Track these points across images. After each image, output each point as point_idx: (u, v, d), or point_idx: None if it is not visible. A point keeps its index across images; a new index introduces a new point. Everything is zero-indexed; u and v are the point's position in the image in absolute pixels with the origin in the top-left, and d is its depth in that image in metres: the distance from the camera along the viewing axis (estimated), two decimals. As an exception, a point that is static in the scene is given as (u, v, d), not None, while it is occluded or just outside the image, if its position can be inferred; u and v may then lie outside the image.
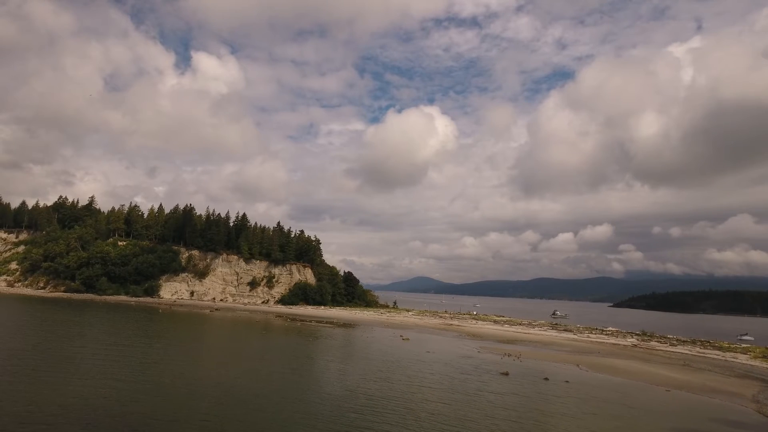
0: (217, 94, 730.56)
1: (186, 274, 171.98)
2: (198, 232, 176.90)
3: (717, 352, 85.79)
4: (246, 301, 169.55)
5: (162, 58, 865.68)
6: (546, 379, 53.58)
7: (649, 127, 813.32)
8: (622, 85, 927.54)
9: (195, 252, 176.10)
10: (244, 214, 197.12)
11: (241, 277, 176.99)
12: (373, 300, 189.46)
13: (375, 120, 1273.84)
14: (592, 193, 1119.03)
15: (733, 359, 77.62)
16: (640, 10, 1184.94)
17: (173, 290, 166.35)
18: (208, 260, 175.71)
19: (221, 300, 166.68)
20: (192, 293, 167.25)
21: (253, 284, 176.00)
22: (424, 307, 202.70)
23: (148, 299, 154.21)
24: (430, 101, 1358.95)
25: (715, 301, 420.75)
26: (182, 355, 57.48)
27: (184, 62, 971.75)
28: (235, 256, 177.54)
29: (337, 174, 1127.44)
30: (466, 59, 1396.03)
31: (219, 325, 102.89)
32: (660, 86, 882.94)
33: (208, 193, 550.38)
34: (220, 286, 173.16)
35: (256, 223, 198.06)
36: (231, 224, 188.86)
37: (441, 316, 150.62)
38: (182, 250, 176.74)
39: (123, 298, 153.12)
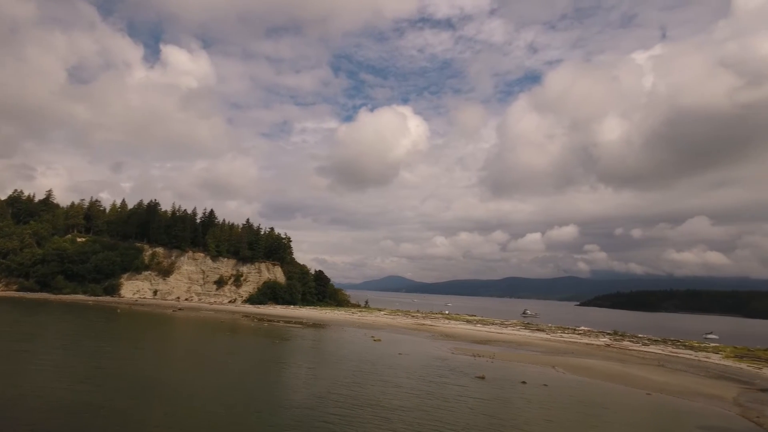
0: (187, 89, 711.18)
1: (149, 272, 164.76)
2: (163, 228, 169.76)
3: (689, 351, 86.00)
4: (212, 300, 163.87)
5: (130, 50, 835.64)
6: (523, 382, 51.54)
7: (613, 132, 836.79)
8: (586, 89, 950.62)
9: (159, 249, 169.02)
10: (212, 211, 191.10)
11: (207, 276, 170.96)
12: (345, 299, 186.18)
13: (349, 119, 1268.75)
14: (558, 194, 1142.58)
15: (706, 359, 77.67)
16: (610, 16, 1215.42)
17: (135, 289, 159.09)
18: (172, 258, 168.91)
19: (186, 299, 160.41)
20: (155, 292, 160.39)
21: (220, 283, 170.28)
22: (396, 307, 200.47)
23: (108, 298, 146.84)
24: (405, 101, 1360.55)
25: (676, 300, 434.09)
26: (136, 360, 53.10)
27: (153, 56, 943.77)
28: (202, 254, 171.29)
29: (309, 172, 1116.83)
30: (441, 60, 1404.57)
31: (181, 325, 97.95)
32: (623, 92, 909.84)
33: (177, 189, 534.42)
34: (185, 284, 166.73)
35: (224, 219, 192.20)
36: (198, 221, 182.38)
37: (413, 316, 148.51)
38: (146, 247, 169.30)
39: (80, 297, 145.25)
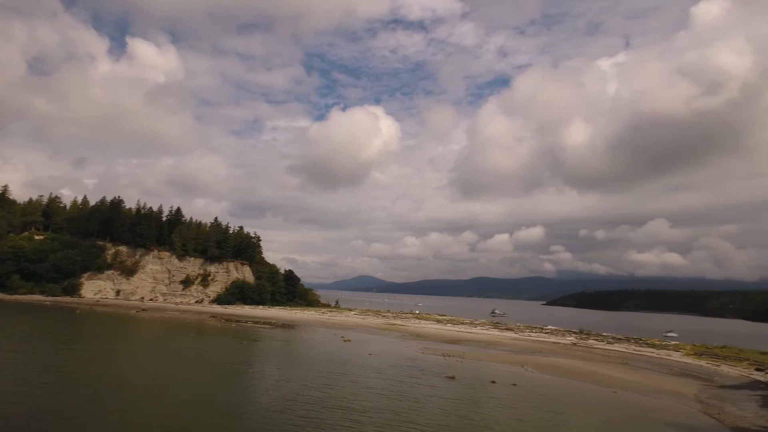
0: (155, 84, 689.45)
1: (112, 271, 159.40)
2: (127, 226, 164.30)
3: (651, 349, 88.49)
4: (178, 300, 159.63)
5: (94, 42, 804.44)
6: (493, 382, 51.81)
7: (578, 136, 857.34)
8: (554, 94, 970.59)
9: (123, 248, 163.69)
10: (179, 209, 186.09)
11: (173, 275, 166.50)
12: (315, 299, 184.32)
13: (321, 118, 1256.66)
14: (526, 196, 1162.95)
15: (667, 357, 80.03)
16: (577, 24, 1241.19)
17: (96, 289, 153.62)
18: (137, 257, 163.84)
19: (151, 300, 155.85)
20: (118, 292, 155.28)
21: (187, 283, 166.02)
22: (366, 307, 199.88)
23: (67, 299, 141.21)
24: (377, 101, 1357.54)
25: (637, 299, 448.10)
26: (95, 363, 50.97)
27: (118, 48, 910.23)
28: (168, 253, 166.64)
29: (280, 171, 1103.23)
30: (413, 62, 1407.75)
31: (145, 327, 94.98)
32: (588, 97, 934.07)
33: (143, 187, 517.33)
34: (150, 284, 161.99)
35: (191, 218, 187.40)
36: (164, 219, 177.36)
37: (384, 316, 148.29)
38: (108, 245, 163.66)
39: (38, 297, 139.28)
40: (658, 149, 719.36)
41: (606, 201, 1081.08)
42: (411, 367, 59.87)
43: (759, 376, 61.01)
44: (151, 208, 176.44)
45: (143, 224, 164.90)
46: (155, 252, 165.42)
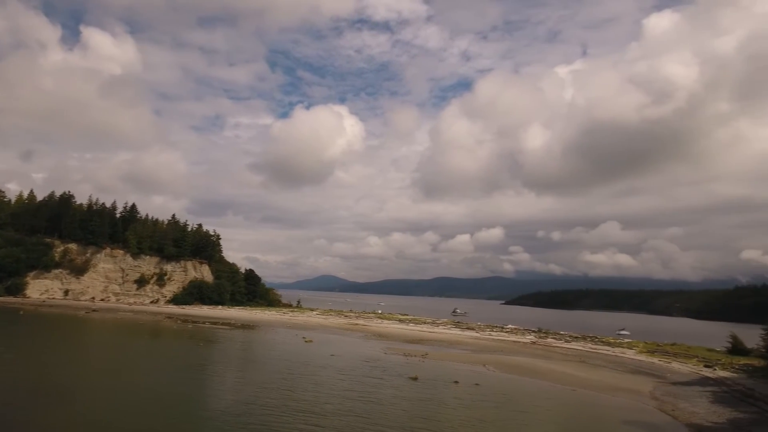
0: (110, 76, 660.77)
1: (60, 270, 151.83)
2: (77, 222, 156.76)
3: (607, 347, 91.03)
4: (132, 300, 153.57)
5: (46, 30, 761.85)
6: (456, 382, 51.75)
7: (536, 140, 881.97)
8: (513, 99, 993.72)
9: (72, 245, 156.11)
10: (134, 205, 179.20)
11: (127, 274, 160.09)
12: (276, 299, 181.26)
13: (285, 115, 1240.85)
14: (486, 198, 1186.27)
15: (622, 354, 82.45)
16: (537, 31, 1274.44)
17: (43, 289, 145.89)
18: (88, 255, 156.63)
19: (102, 300, 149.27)
20: (66, 292, 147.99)
21: (142, 282, 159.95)
22: (328, 306, 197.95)
23: (10, 299, 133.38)
24: (342, 100, 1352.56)
25: (591, 299, 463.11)
26: (39, 367, 47.86)
27: (72, 38, 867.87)
28: (121, 251, 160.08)
29: (242, 168, 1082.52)
30: (378, 62, 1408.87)
31: (95, 328, 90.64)
32: (546, 102, 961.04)
33: (97, 182, 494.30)
34: (102, 284, 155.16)
35: (147, 214, 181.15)
36: (118, 215, 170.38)
37: (346, 316, 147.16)
38: (57, 242, 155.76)
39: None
40: (611, 154, 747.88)
41: (562, 203, 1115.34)
42: (374, 367, 59.19)
43: (707, 372, 63.52)
44: (104, 204, 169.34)
45: (95, 221, 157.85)
46: (108, 250, 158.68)
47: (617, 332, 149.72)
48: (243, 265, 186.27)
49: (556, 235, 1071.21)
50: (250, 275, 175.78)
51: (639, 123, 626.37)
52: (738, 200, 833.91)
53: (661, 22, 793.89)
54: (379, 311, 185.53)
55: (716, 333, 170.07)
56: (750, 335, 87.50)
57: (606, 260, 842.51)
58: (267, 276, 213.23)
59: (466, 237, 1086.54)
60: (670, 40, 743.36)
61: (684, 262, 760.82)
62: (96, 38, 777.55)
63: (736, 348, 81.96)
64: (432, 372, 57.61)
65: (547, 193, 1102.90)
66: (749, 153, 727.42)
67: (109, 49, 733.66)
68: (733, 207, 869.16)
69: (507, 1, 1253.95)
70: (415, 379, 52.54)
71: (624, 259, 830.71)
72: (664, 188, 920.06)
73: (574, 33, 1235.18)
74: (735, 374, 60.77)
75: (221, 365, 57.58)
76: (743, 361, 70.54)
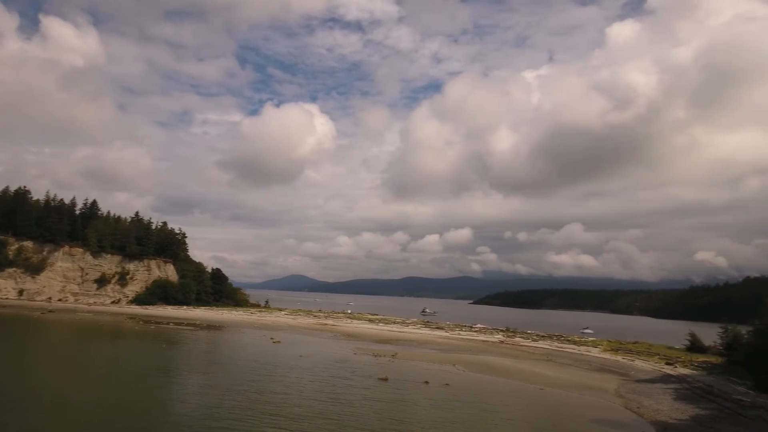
0: (71, 67, 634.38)
1: (14, 269, 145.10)
2: (33, 219, 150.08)
3: (572, 346, 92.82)
4: (92, 301, 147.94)
5: (2, 18, 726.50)
6: (426, 382, 51.53)
7: (504, 142, 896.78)
8: (482, 101, 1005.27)
9: (28, 243, 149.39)
10: (95, 201, 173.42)
11: (87, 273, 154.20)
12: (244, 299, 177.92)
13: (255, 113, 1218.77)
14: (455, 198, 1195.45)
15: (587, 353, 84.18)
16: (506, 36, 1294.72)
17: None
18: (44, 253, 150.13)
19: (60, 300, 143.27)
20: (21, 292, 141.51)
21: (102, 282, 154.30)
22: (298, 306, 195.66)
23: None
24: (313, 99, 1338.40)
25: (556, 298, 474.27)
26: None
27: (30, 27, 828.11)
28: (81, 249, 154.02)
29: (209, 166, 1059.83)
30: (349, 62, 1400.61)
31: (51, 330, 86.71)
32: (514, 106, 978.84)
33: (56, 178, 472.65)
34: (60, 283, 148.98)
35: (109, 211, 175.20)
36: (77, 212, 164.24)
37: (315, 316, 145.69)
38: (11, 240, 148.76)
39: None
40: (575, 158, 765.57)
41: (528, 205, 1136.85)
42: (343, 368, 58.45)
43: (669, 369, 65.39)
44: (62, 200, 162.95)
45: (53, 217, 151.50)
46: (66, 248, 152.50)
47: (581, 331, 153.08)
48: (210, 265, 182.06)
49: (522, 236, 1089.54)
50: (217, 274, 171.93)
51: (601, 128, 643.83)
52: (693, 204, 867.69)
53: (623, 31, 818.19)
54: (349, 311, 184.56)
55: (674, 331, 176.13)
56: (705, 333, 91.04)
57: (570, 261, 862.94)
58: (235, 276, 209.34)
59: (435, 237, 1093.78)
60: (631, 49, 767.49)
61: (643, 263, 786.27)
62: (56, 28, 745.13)
63: (695, 346, 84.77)
64: (402, 372, 57.28)
65: (514, 194, 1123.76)
66: (704, 159, 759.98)
67: (70, 39, 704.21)
68: (688, 210, 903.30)
69: (477, 6, 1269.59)
70: (385, 379, 52.07)
71: (587, 260, 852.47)
72: (625, 191, 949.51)
73: (542, 39, 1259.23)
74: (695, 371, 62.75)
75: (185, 368, 55.71)
76: (701, 358, 73.00)
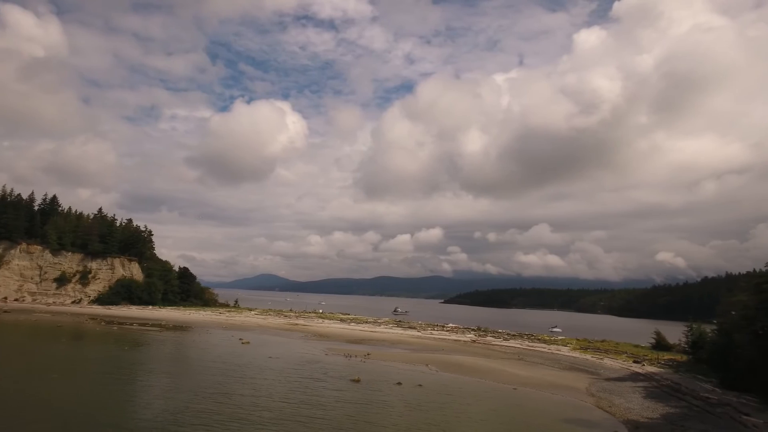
0: (31, 58, 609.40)
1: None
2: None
3: (543, 345, 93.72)
4: (51, 301, 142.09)
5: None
6: (399, 383, 50.73)
7: (474, 144, 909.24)
8: (453, 103, 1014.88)
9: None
10: (54, 197, 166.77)
11: (45, 272, 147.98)
12: (212, 298, 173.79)
13: (225, 109, 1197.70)
14: (426, 199, 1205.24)
15: (557, 351, 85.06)
16: (478, 39, 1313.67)
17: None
18: (0, 251, 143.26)
19: (16, 300, 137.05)
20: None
21: (62, 281, 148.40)
22: (268, 306, 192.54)
23: None
24: (285, 96, 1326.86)
25: (524, 297, 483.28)
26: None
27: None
28: (39, 247, 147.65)
29: (177, 162, 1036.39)
30: (322, 60, 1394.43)
31: (5, 331, 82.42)
32: (484, 108, 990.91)
33: (15, 172, 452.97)
34: (16, 282, 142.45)
35: (70, 207, 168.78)
36: (36, 208, 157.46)
37: (286, 316, 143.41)
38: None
39: None
40: (542, 160, 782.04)
41: (497, 206, 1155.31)
42: (314, 370, 57.21)
43: (637, 368, 66.48)
44: (20, 195, 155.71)
45: (9, 213, 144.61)
46: (23, 245, 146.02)
47: (550, 330, 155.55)
48: (179, 263, 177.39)
49: (491, 236, 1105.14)
50: (184, 273, 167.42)
51: (568, 131, 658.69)
52: (654, 207, 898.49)
53: (589, 38, 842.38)
54: (320, 311, 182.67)
55: (638, 329, 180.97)
56: (668, 331, 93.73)
57: (537, 261, 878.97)
58: (204, 275, 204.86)
59: (406, 237, 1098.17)
60: (597, 55, 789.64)
61: (607, 263, 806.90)
62: (15, 16, 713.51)
63: (660, 344, 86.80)
64: (375, 373, 56.42)
65: (483, 195, 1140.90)
66: (664, 163, 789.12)
67: (30, 29, 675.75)
68: (649, 213, 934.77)
69: (449, 8, 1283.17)
70: (358, 381, 51.08)
71: (553, 260, 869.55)
72: (590, 194, 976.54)
73: (512, 43, 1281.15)
74: (662, 369, 63.97)
75: (149, 370, 53.44)
76: (667, 356, 74.64)
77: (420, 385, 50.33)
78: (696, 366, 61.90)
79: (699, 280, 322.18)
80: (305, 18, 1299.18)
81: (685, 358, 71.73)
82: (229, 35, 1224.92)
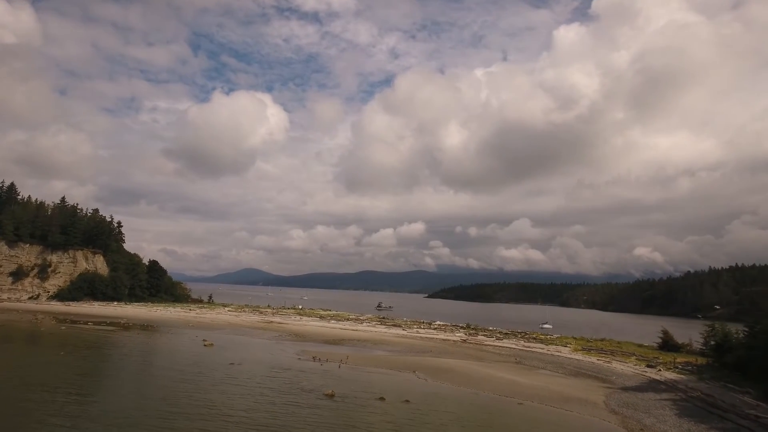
0: (0, 44, 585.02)
1: None
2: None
3: (540, 345, 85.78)
4: (6, 296, 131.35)
5: None
6: (382, 398, 42.07)
7: (454, 138, 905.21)
8: (431, 96, 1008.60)
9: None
10: (12, 185, 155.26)
11: (0, 265, 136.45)
12: (184, 294, 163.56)
13: (206, 101, 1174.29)
14: (408, 193, 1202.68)
15: (557, 353, 76.98)
16: (462, 34, 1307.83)
17: None
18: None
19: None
20: None
21: (19, 275, 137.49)
22: (248, 301, 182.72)
23: None
24: (269, 89, 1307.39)
25: (507, 292, 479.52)
26: None
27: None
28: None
29: (155, 154, 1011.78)
30: (306, 53, 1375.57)
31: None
32: (464, 102, 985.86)
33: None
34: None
35: (29, 196, 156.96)
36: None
37: (262, 312, 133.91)
38: None
39: None
40: (521, 155, 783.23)
41: (478, 201, 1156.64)
42: (281, 380, 48.38)
43: (652, 373, 58.63)
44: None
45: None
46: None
47: (540, 326, 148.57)
48: (160, 258, 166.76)
49: (473, 231, 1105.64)
50: (154, 267, 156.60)
51: (545, 126, 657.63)
52: (631, 202, 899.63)
53: (568, 34, 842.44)
54: (300, 306, 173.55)
55: (629, 324, 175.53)
56: (657, 326, 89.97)
57: (519, 255, 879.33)
58: (186, 269, 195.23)
59: (389, 231, 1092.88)
60: (576, 52, 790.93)
61: (586, 258, 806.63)
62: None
63: (668, 344, 79.31)
64: (353, 383, 47.75)
65: (464, 190, 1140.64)
66: (640, 159, 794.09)
67: (1, 15, 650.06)
68: (626, 208, 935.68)
69: (434, 3, 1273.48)
70: (332, 395, 42.26)
71: (535, 255, 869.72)
72: (568, 189, 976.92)
73: (497, 39, 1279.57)
74: (681, 375, 55.98)
75: (75, 383, 43.48)
76: (682, 359, 66.93)
77: (407, 401, 41.64)
78: (721, 372, 54.15)
79: (680, 274, 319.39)
80: (288, 10, 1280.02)
81: (700, 360, 64.38)
82: (211, 26, 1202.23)
